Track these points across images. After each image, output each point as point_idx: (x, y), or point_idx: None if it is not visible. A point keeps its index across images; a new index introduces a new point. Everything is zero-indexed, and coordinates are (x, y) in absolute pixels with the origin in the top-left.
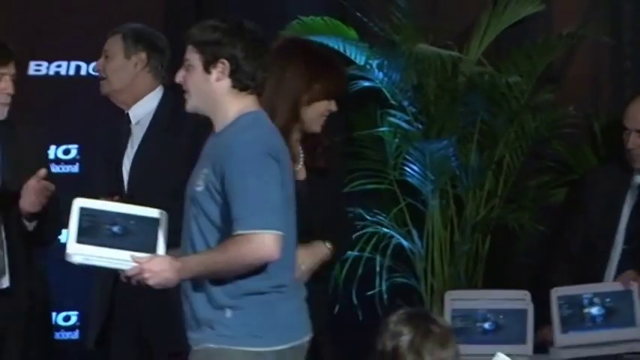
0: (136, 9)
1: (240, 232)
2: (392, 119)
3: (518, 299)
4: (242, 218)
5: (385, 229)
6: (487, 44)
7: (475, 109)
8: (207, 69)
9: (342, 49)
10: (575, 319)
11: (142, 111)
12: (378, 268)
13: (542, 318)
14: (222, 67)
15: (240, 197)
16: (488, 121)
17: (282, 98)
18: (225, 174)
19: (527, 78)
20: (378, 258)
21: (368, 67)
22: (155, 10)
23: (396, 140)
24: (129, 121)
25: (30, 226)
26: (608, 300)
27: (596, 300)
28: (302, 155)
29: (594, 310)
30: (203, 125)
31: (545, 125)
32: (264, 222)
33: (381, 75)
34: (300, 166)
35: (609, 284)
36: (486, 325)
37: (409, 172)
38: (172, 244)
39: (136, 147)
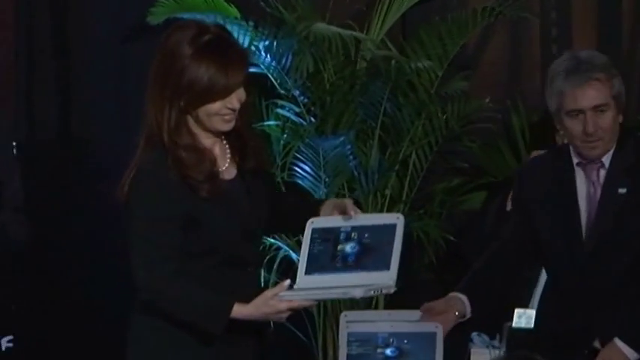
0: None
1: None
2: (280, 111)
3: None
4: None
5: (271, 240)
6: (391, 23)
7: (377, 99)
8: None
9: None
10: (324, 257)
11: None
12: (262, 285)
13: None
14: None
15: None
16: (391, 114)
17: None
18: None
19: (437, 63)
20: (263, 273)
21: (253, 50)
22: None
23: (285, 136)
24: None
25: None
26: (367, 235)
27: (354, 235)
28: (228, 154)
29: (348, 248)
30: None
31: (456, 119)
32: None
33: (268, 59)
34: (227, 165)
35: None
36: (388, 351)
37: (299, 173)
38: None
39: None
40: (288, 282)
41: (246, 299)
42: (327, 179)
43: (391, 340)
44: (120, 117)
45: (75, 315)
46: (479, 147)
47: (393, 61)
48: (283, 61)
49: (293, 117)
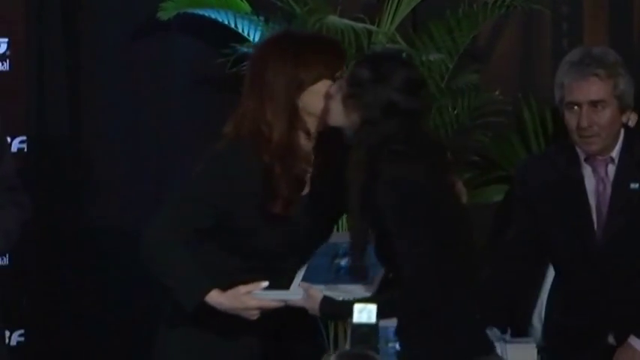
0: None
1: None
2: None
3: None
4: None
5: None
6: (402, 17)
7: None
8: None
9: (232, 25)
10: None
11: None
12: None
13: None
14: None
15: None
16: None
17: (270, 107)
18: None
19: (448, 56)
20: None
21: None
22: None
23: None
24: None
25: None
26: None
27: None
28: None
29: (343, 262)
30: None
31: (467, 112)
32: None
33: None
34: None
35: None
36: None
37: None
38: None
39: None
40: (266, 283)
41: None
42: None
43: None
44: (130, 112)
45: (86, 310)
46: (490, 140)
47: (404, 54)
48: None
49: None
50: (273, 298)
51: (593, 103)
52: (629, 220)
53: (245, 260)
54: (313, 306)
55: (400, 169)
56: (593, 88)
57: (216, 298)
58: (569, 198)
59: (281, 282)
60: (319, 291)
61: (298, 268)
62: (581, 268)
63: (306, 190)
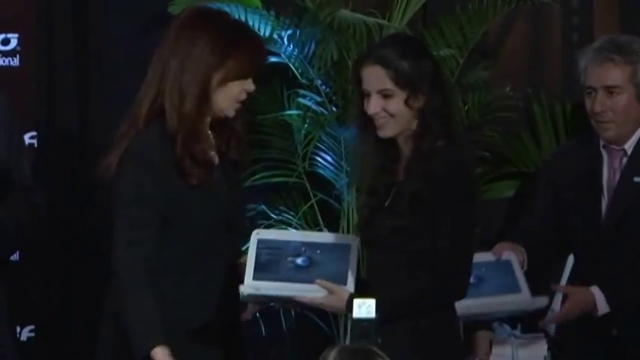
0: None
1: None
2: (301, 100)
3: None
4: None
5: (293, 230)
6: (412, 12)
7: None
8: None
9: (243, 19)
10: (273, 267)
11: None
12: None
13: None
14: None
15: None
16: None
17: (189, 78)
18: None
19: (458, 52)
20: None
21: (276, 39)
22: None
23: (306, 125)
24: None
25: None
26: (319, 252)
27: (304, 250)
28: (212, 142)
29: (299, 261)
30: None
31: (477, 108)
32: None
33: (290, 49)
34: (213, 153)
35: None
36: (299, 261)
37: (321, 163)
38: None
39: None
40: None
41: (221, 290)
42: (348, 169)
43: (303, 249)
44: None
45: (96, 305)
46: (500, 136)
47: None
48: (306, 50)
49: (314, 106)
50: (281, 295)
51: (608, 89)
52: (628, 213)
53: (186, 245)
54: (338, 305)
55: (462, 151)
56: (608, 74)
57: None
58: (586, 184)
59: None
60: (344, 289)
61: (230, 247)
62: (590, 254)
63: (216, 162)
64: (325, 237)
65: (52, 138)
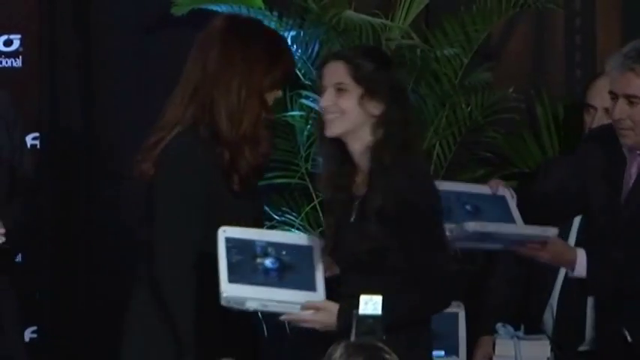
0: None
1: None
2: (304, 101)
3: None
4: None
5: (296, 231)
6: (415, 13)
7: None
8: None
9: None
10: (245, 268)
11: None
12: None
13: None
14: None
15: None
16: (415, 105)
17: (244, 86)
18: None
19: (462, 53)
20: None
21: None
22: None
23: (309, 127)
24: None
25: None
26: (284, 253)
27: (271, 250)
28: None
29: (268, 262)
30: None
31: (480, 109)
32: None
33: (293, 49)
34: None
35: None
36: (268, 262)
37: None
38: None
39: None
40: None
41: None
42: None
43: (269, 249)
44: (143, 109)
45: (99, 306)
46: (503, 137)
47: (418, 50)
48: (309, 51)
49: (317, 107)
50: (265, 309)
51: (628, 97)
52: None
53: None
54: (329, 320)
55: (422, 163)
56: (629, 83)
57: None
58: (610, 178)
59: None
60: (330, 304)
61: None
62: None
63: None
64: (287, 237)
65: (55, 139)
